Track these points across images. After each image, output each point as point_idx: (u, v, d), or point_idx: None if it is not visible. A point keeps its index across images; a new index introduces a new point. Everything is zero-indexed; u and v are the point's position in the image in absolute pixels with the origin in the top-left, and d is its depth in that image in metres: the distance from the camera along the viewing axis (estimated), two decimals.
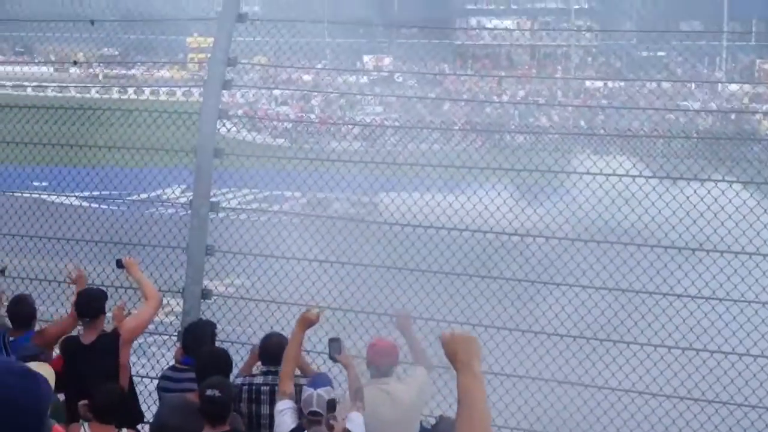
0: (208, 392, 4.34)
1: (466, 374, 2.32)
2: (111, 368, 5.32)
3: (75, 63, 7.37)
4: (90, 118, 7.67)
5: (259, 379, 4.98)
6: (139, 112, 6.92)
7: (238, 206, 6.52)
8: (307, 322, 4.84)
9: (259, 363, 5.38)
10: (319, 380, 4.53)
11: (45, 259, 7.20)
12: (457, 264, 6.43)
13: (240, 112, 6.66)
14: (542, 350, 5.96)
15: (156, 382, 5.88)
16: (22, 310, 5.85)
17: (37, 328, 5.92)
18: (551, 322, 6.04)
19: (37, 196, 8.41)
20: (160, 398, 5.51)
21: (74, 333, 5.66)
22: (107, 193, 7.98)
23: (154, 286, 5.79)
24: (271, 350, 5.09)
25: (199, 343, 5.33)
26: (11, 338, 5.70)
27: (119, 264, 5.87)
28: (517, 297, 6.39)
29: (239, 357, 6.15)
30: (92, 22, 6.93)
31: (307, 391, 4.40)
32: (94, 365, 5.22)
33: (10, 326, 5.71)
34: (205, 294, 6.39)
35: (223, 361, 4.96)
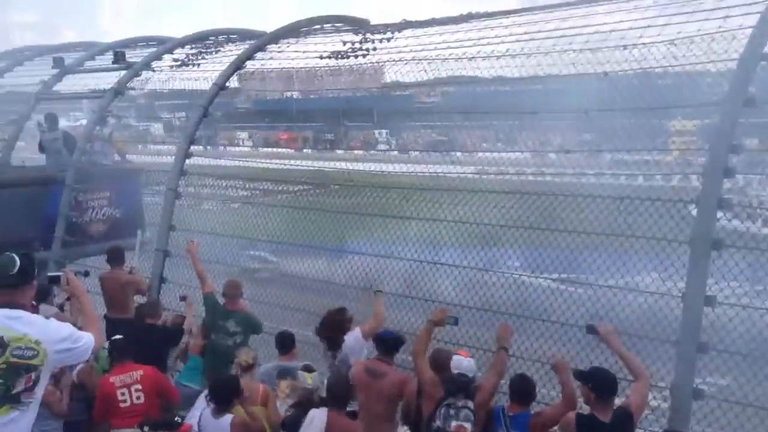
0: None
1: None
2: None
3: (568, 152, 7.60)
4: (563, 203, 7.89)
5: None
6: (631, 199, 6.87)
7: (737, 303, 6.02)
8: None
9: None
10: None
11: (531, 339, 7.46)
12: None
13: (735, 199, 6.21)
14: None
15: None
16: (524, 386, 6.06)
17: None
18: None
19: (514, 276, 8.87)
20: None
21: None
22: (583, 276, 8.04)
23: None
24: None
25: None
26: (510, 413, 5.93)
27: (591, 329, 5.89)
28: None
29: None
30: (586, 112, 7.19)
31: None
32: None
33: None
34: (696, 394, 5.99)
35: None
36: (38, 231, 11.83)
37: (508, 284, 8.55)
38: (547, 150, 8.95)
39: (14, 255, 4.34)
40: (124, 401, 6.95)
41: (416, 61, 9.64)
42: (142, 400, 7.00)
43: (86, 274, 10.75)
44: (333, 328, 7.44)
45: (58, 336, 4.24)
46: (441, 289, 8.91)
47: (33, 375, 4.15)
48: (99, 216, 12.02)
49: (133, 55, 12.44)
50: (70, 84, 13.46)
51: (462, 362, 5.85)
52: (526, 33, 8.76)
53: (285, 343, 7.76)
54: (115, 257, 9.82)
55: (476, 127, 10.65)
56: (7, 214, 11.95)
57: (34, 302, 6.17)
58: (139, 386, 7.02)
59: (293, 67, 11.06)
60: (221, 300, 8.57)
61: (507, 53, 8.77)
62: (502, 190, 8.70)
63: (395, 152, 13.37)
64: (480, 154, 9.66)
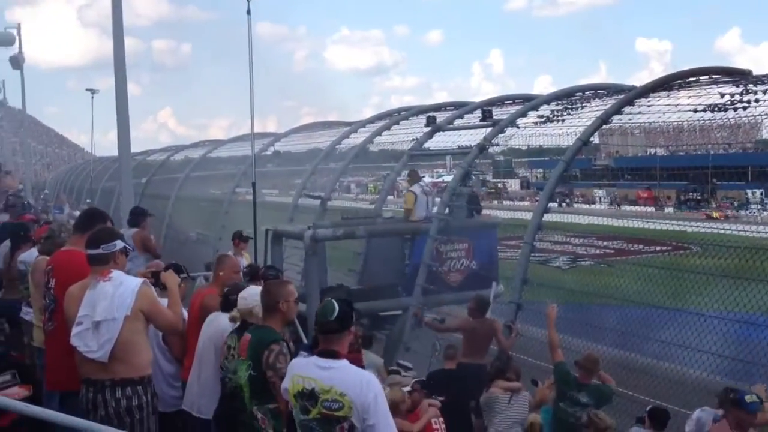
0: None
1: None
2: None
3: None
4: None
5: None
6: None
7: None
8: None
9: None
10: None
11: None
12: None
13: None
14: None
15: None
16: None
17: None
18: None
19: None
20: None
21: None
22: None
23: None
24: None
25: None
26: None
27: None
28: None
29: None
30: None
31: None
32: None
33: None
34: None
35: None
36: (403, 278, 12.58)
37: None
38: None
39: (334, 301, 4.45)
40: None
41: None
42: None
43: (442, 321, 11.20)
44: None
45: (363, 393, 4.22)
46: None
47: (345, 424, 4.21)
48: (457, 267, 12.42)
49: (500, 113, 12.79)
50: (439, 141, 14.24)
51: None
52: None
53: (662, 420, 7.39)
54: (481, 307, 10.16)
55: None
56: (381, 260, 12.94)
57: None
58: None
59: (661, 122, 10.58)
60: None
61: None
62: None
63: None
64: None
